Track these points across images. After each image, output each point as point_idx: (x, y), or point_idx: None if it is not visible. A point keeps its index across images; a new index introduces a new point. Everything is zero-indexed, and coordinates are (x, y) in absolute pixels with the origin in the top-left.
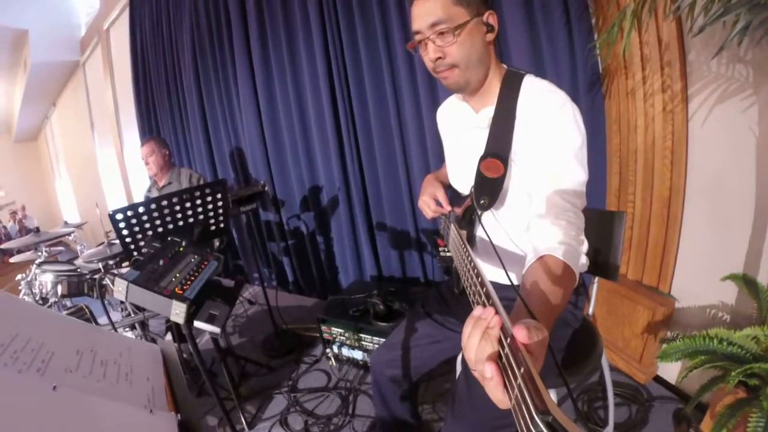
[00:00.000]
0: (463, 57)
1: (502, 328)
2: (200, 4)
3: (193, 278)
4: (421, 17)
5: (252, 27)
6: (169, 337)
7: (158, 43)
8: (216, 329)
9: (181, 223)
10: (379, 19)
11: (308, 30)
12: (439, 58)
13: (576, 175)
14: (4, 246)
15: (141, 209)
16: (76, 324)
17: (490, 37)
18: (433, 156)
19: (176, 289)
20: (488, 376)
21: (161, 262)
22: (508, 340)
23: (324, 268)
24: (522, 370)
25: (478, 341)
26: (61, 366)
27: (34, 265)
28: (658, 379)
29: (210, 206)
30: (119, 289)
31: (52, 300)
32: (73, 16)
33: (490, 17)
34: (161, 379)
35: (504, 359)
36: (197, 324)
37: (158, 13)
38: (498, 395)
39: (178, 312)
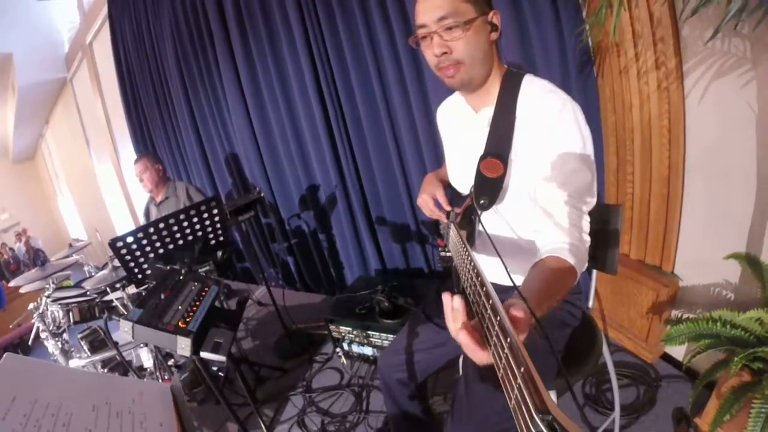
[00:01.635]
0: (469, 53)
1: (502, 329)
2: (179, 11)
3: (195, 308)
4: (429, 11)
5: (233, 32)
6: (176, 376)
7: (142, 54)
8: (222, 358)
9: (180, 242)
10: (360, 17)
11: (289, 30)
12: (445, 53)
13: (580, 176)
14: (11, 284)
15: (140, 234)
16: (88, 377)
17: (494, 36)
18: (426, 147)
19: (179, 323)
20: (464, 342)
21: (162, 296)
22: (508, 340)
23: (329, 265)
24: (522, 370)
25: (452, 324)
26: (81, 426)
27: (44, 297)
28: (666, 357)
29: (207, 222)
30: (125, 329)
31: (65, 327)
32: (54, 34)
33: (494, 16)
34: (173, 420)
35: (504, 360)
36: (203, 354)
37: (138, 23)
38: (479, 356)
39: (183, 346)
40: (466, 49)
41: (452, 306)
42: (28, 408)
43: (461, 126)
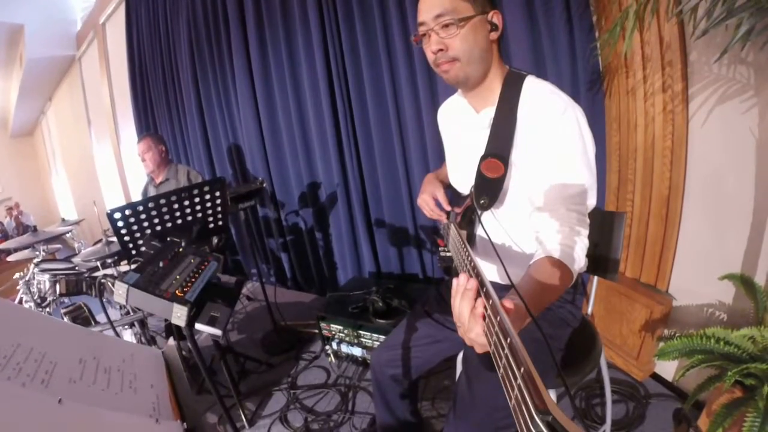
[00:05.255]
0: (465, 51)
1: (502, 329)
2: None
3: (193, 280)
4: (427, 9)
5: (249, 21)
6: (171, 342)
7: (155, 38)
8: (217, 332)
9: (179, 221)
10: (378, 14)
11: (306, 24)
12: (441, 50)
13: (580, 180)
14: (1, 246)
15: (139, 208)
16: (77, 330)
17: (494, 35)
18: (432, 152)
19: (177, 291)
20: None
21: (161, 264)
22: (508, 340)
23: (323, 265)
24: (522, 370)
25: (459, 302)
26: (65, 376)
27: (32, 265)
28: (656, 376)
29: (208, 204)
30: (120, 292)
31: (50, 299)
32: (68, 11)
33: (494, 16)
34: (165, 385)
35: (504, 360)
36: (198, 326)
37: (155, 7)
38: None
39: (179, 315)
40: (462, 47)
41: (466, 286)
42: (9, 350)
43: (462, 126)
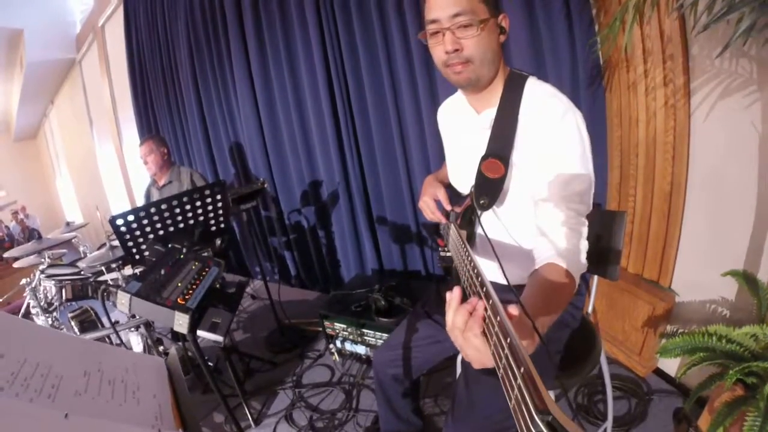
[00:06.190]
0: (480, 53)
1: (502, 329)
2: None
3: (195, 286)
4: (444, 7)
5: (248, 21)
6: (173, 350)
7: (154, 39)
8: (219, 338)
9: (181, 225)
10: (376, 13)
11: (305, 24)
12: (456, 50)
13: (579, 182)
14: (6, 255)
15: (141, 213)
16: (81, 342)
17: (502, 38)
18: (433, 149)
19: (178, 299)
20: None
21: (162, 272)
22: (508, 340)
23: (326, 262)
24: (522, 370)
25: (452, 316)
26: (71, 389)
27: (38, 271)
28: (658, 371)
29: (210, 207)
30: (122, 301)
31: (56, 304)
32: (67, 14)
33: (503, 20)
34: (167, 395)
35: (504, 360)
36: (200, 333)
37: (153, 8)
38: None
39: (181, 323)
40: (477, 48)
41: (459, 299)
42: (17, 366)
43: (462, 126)
